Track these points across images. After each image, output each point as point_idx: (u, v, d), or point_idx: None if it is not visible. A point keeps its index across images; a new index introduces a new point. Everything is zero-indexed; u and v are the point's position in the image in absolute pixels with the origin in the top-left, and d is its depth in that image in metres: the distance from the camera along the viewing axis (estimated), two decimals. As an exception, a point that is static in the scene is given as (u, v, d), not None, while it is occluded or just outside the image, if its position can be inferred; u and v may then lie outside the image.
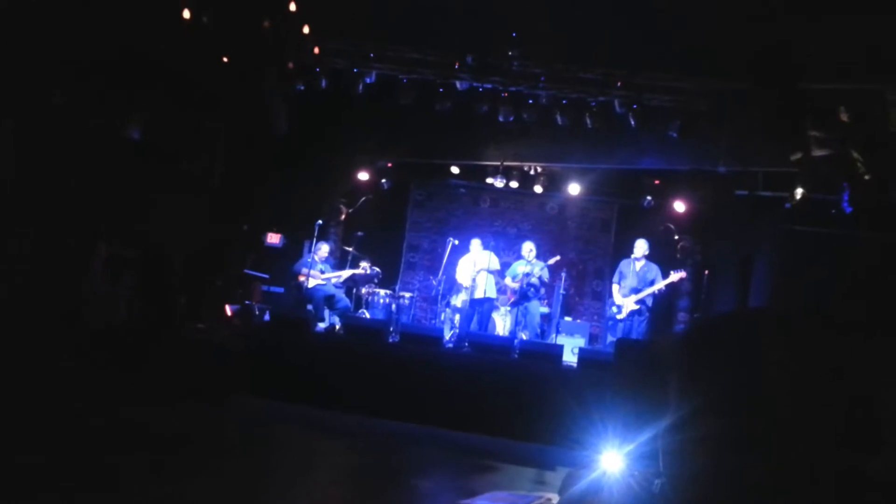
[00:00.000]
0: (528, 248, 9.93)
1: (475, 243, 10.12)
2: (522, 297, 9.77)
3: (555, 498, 3.00)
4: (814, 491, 0.78)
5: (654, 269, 9.42)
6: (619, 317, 9.36)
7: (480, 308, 9.92)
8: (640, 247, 9.50)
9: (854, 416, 0.80)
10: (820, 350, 0.83)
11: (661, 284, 9.27)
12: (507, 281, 9.96)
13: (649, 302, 9.32)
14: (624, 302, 9.31)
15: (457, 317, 10.10)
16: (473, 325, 9.75)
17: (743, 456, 0.81)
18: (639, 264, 9.45)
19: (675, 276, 9.28)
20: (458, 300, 10.14)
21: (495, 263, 10.05)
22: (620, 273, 9.58)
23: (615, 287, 9.60)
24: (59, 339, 6.66)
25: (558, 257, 10.08)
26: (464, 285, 9.98)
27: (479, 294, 9.85)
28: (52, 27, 7.19)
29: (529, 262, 9.81)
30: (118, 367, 6.57)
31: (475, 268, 9.91)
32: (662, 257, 10.03)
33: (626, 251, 9.89)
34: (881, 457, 0.79)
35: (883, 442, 0.81)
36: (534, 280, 9.70)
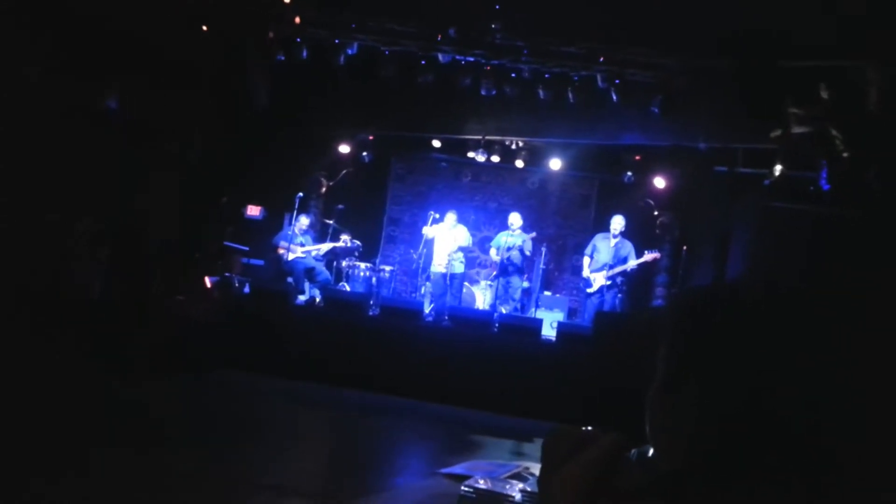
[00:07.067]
0: (515, 218, 9.86)
1: (450, 216, 10.09)
2: (503, 271, 9.78)
3: (532, 467, 3.04)
4: (798, 455, 0.80)
5: (629, 246, 9.38)
6: (589, 290, 9.37)
7: (452, 282, 9.95)
8: (618, 223, 9.45)
9: (830, 383, 0.82)
10: (796, 322, 0.85)
11: (632, 263, 9.24)
12: (492, 253, 9.93)
13: (619, 280, 9.32)
14: (594, 277, 9.31)
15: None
16: (449, 299, 9.74)
17: (727, 422, 0.82)
18: (614, 240, 9.43)
19: (648, 257, 9.26)
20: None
21: (464, 239, 10.04)
22: (594, 247, 9.54)
23: (586, 259, 9.56)
24: (36, 313, 6.58)
25: (534, 234, 10.03)
26: (434, 260, 10.01)
27: (443, 269, 9.90)
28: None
29: (513, 234, 9.77)
30: (96, 342, 6.51)
31: (442, 244, 9.93)
32: (642, 233, 10.06)
33: (606, 227, 9.89)
34: (857, 423, 0.81)
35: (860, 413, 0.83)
36: (514, 253, 9.67)
